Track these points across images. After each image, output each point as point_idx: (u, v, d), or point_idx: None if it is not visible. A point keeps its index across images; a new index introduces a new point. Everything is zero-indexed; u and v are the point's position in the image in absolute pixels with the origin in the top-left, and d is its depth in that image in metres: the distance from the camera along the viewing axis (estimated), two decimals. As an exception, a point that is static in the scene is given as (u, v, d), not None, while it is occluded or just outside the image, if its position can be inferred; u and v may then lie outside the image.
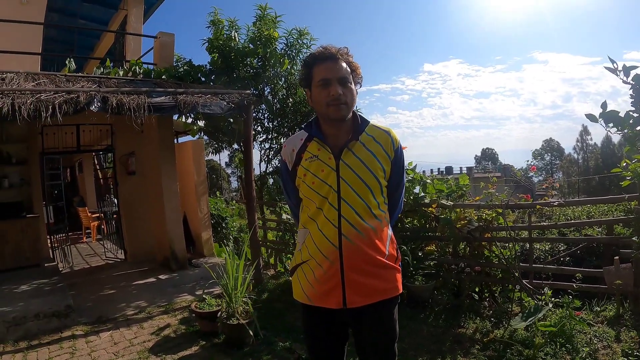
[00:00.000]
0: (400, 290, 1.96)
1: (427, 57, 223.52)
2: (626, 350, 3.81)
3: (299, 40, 8.19)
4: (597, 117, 3.13)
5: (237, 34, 7.80)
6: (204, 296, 5.07)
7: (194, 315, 5.04)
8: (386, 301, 1.90)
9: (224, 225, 10.68)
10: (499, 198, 5.40)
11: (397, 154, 1.96)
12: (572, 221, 7.62)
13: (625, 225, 5.77)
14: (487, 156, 76.62)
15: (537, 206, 4.99)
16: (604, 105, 3.11)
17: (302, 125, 4.18)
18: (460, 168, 50.92)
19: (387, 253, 1.90)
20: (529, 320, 3.76)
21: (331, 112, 1.82)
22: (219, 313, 4.40)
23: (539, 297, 5.08)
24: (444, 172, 49.09)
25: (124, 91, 5.57)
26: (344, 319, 1.93)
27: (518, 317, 3.99)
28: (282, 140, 8.52)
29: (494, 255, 5.33)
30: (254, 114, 8.00)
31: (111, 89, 5.57)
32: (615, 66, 3.07)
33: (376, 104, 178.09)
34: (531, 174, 57.87)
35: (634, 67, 2.98)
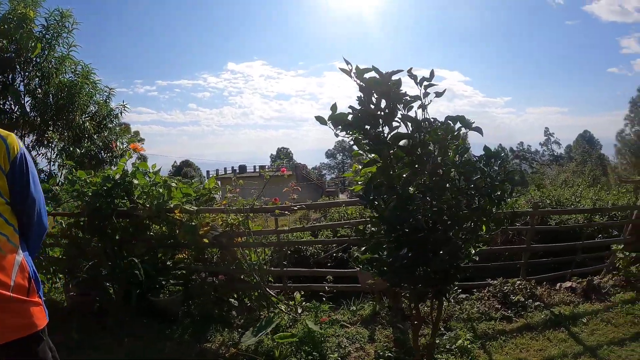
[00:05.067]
0: (41, 326, 1.76)
1: (232, 56, 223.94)
2: (379, 351, 3.95)
3: (60, 23, 7.08)
4: (327, 119, 3.05)
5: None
6: None
7: None
8: (21, 340, 1.67)
9: None
10: (242, 202, 5.30)
11: (14, 164, 1.73)
12: (327, 223, 8.21)
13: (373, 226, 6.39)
14: (283, 155, 79.92)
15: (277, 211, 5.07)
16: (333, 107, 3.06)
17: None
18: (254, 167, 51.91)
19: (12, 284, 1.66)
20: (260, 334, 3.61)
21: None
22: None
23: (287, 303, 5.07)
24: (237, 171, 49.28)
25: None
26: None
27: (249, 332, 3.82)
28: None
29: (245, 261, 5.22)
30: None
31: None
32: (350, 67, 3.07)
33: (176, 99, 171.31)
34: (323, 171, 62.92)
35: (368, 70, 2.99)
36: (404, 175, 2.94)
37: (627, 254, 6.42)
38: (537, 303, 5.54)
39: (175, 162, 76.83)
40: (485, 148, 3.01)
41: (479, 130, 3.12)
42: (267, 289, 5.20)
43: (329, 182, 46.69)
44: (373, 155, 3.09)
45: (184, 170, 70.58)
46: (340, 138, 3.31)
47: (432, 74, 3.15)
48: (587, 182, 25.25)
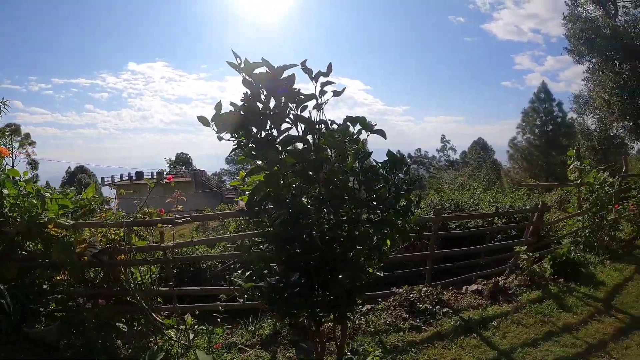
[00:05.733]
0: None
1: (134, 55, 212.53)
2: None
3: None
4: (210, 120, 2.52)
5: None
6: None
7: None
8: None
9: None
10: (120, 214, 4.65)
11: None
12: (205, 238, 7.64)
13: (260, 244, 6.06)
14: (182, 161, 77.22)
15: (159, 224, 4.50)
16: (218, 106, 2.53)
17: None
18: (152, 173, 48.98)
19: None
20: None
21: None
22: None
23: (178, 328, 4.50)
24: (134, 178, 46.39)
25: None
26: None
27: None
28: None
29: (131, 280, 4.56)
30: None
31: None
32: (239, 61, 2.57)
33: (73, 99, 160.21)
34: (224, 178, 61.22)
35: (258, 65, 2.60)
36: (295, 185, 2.50)
37: (530, 254, 6.57)
38: (445, 309, 5.39)
39: (69, 167, 71.14)
40: (389, 153, 2.64)
41: (381, 133, 2.75)
42: (153, 313, 4.58)
43: (229, 188, 45.65)
44: (261, 161, 2.61)
45: (78, 176, 65.49)
46: (224, 142, 2.79)
47: (329, 68, 2.73)
48: (483, 185, 27.00)
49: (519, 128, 44.75)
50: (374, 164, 2.64)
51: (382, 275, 3.06)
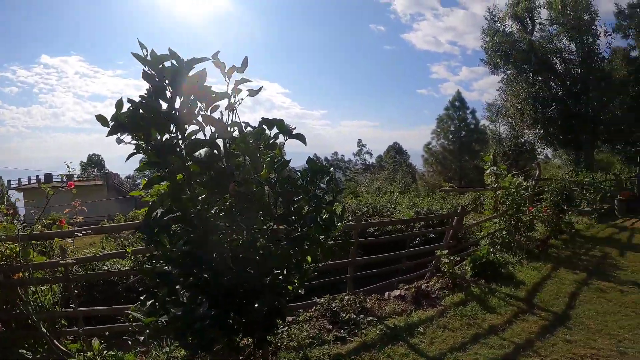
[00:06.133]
0: None
1: (47, 48, 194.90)
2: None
3: None
4: (110, 119, 2.11)
5: None
6: None
7: None
8: None
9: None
10: (13, 227, 4.02)
11: None
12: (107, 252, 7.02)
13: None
14: (94, 163, 72.08)
15: (56, 239, 3.93)
16: (118, 104, 2.13)
17: None
18: (61, 176, 45.02)
19: None
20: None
21: None
22: None
23: (85, 353, 3.95)
24: (43, 180, 42.55)
25: None
26: None
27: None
28: None
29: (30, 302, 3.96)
30: None
31: None
32: (145, 53, 2.18)
33: None
34: (138, 180, 58.14)
35: (166, 57, 2.36)
36: (202, 198, 2.15)
37: (452, 257, 6.66)
38: (369, 317, 5.22)
39: (-31, 169, 64.03)
40: (310, 161, 2.36)
41: (301, 137, 2.45)
42: (60, 337, 4.00)
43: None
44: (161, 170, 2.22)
45: (-21, 179, 59.28)
46: (123, 145, 2.38)
47: (245, 62, 2.40)
48: (399, 188, 28.04)
49: (433, 134, 47.54)
50: (294, 172, 2.35)
51: (303, 292, 2.81)
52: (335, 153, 78.98)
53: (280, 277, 2.35)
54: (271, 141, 2.29)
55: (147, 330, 2.09)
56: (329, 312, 5.21)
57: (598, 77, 22.33)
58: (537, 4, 23.67)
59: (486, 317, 5.43)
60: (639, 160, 22.95)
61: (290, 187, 2.20)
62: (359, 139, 79.35)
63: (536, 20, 23.88)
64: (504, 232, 8.70)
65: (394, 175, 40.93)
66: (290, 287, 2.65)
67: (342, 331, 4.89)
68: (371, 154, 75.50)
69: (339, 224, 2.38)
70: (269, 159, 2.23)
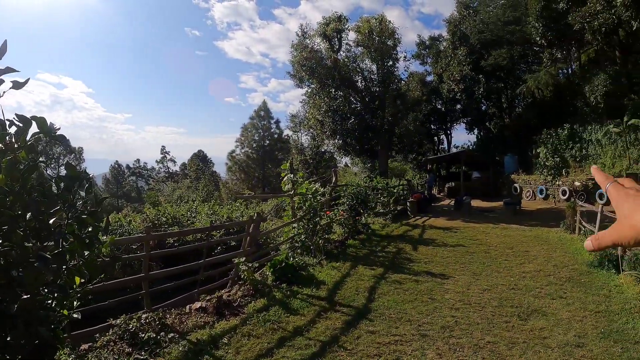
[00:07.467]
0: None
1: None
2: None
3: None
4: None
5: None
6: None
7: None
8: None
9: None
10: None
11: None
12: None
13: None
14: None
15: None
16: None
17: None
18: None
19: None
20: None
21: None
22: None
23: None
24: None
25: None
26: None
27: None
28: None
29: None
30: None
31: None
32: None
33: None
34: None
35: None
36: None
37: (250, 264, 6.78)
38: (171, 334, 4.95)
39: None
40: (68, 166, 2.08)
41: (63, 139, 2.18)
42: None
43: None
44: None
45: None
46: None
47: (4, 46, 2.00)
48: (201, 197, 27.99)
49: (238, 142, 48.76)
50: (48, 179, 2.04)
51: (79, 317, 2.48)
52: (138, 160, 73.54)
53: (45, 293, 2.02)
54: (28, 142, 1.94)
55: None
56: (127, 334, 4.77)
57: (394, 95, 25.90)
58: (347, 27, 26.24)
59: (290, 320, 5.62)
60: (428, 168, 27.82)
61: (40, 197, 1.89)
62: (163, 146, 75.64)
63: (343, 41, 26.45)
64: (303, 236, 9.24)
65: (196, 184, 40.25)
66: (65, 312, 2.34)
67: (142, 353, 4.53)
68: (175, 162, 72.55)
69: (104, 237, 2.15)
70: (7, 162, 1.86)
